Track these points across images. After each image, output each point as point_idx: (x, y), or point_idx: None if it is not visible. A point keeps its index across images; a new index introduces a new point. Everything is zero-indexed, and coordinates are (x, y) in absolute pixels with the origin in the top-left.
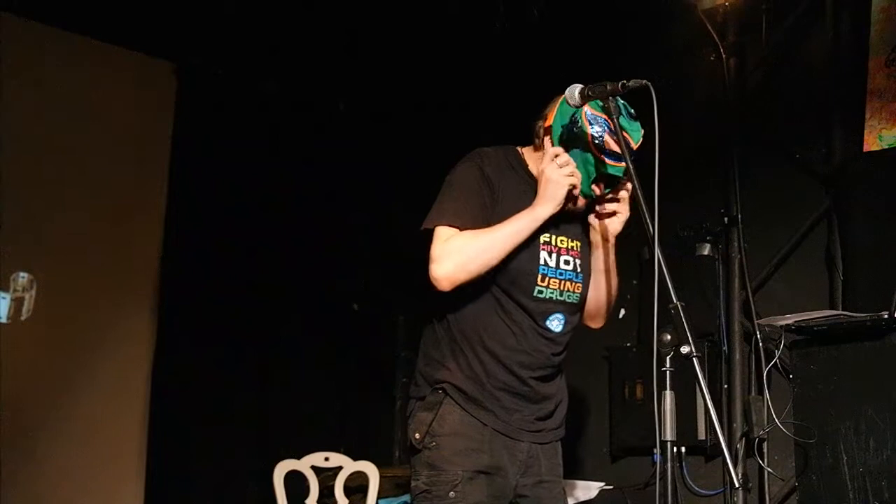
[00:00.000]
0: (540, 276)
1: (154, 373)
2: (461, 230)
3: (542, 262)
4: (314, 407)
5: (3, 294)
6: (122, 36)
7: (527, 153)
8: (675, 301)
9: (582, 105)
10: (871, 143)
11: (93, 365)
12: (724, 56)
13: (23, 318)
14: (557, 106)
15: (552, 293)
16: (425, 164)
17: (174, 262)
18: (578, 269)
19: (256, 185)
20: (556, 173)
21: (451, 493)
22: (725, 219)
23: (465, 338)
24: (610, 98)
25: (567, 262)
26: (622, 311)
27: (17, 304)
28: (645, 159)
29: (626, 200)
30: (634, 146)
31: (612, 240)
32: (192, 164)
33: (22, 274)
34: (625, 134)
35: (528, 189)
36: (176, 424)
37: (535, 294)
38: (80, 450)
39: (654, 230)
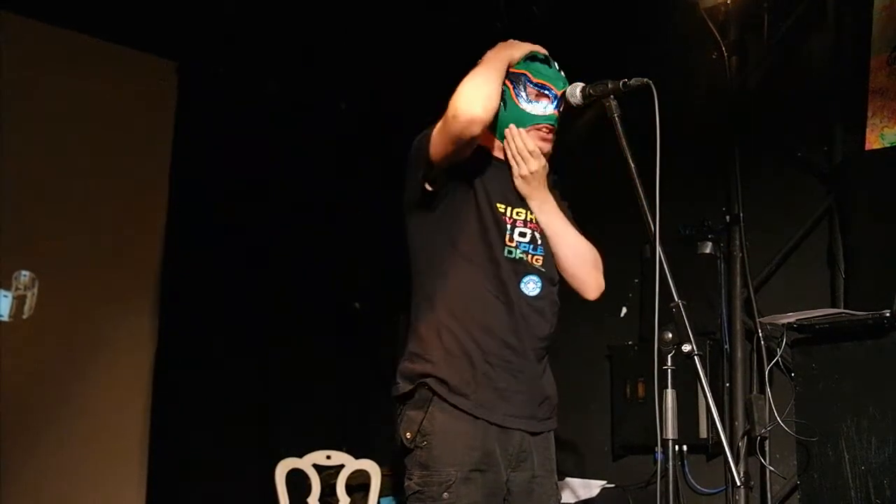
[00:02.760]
0: (507, 237)
1: (156, 371)
2: None
3: (507, 235)
4: (316, 405)
5: (5, 292)
6: (123, 35)
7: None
8: (676, 299)
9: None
10: (873, 141)
11: (95, 363)
12: (725, 54)
13: (25, 316)
14: None
15: (521, 254)
16: None
17: (176, 261)
18: (538, 242)
19: (257, 184)
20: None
21: (445, 495)
22: (727, 217)
23: (456, 318)
24: (612, 97)
25: (523, 235)
26: (623, 310)
27: (19, 302)
28: (647, 157)
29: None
30: (558, 92)
31: (532, 201)
32: (194, 162)
33: (24, 272)
34: (546, 82)
35: (490, 165)
36: (177, 423)
37: (506, 254)
38: (82, 448)
39: (656, 228)
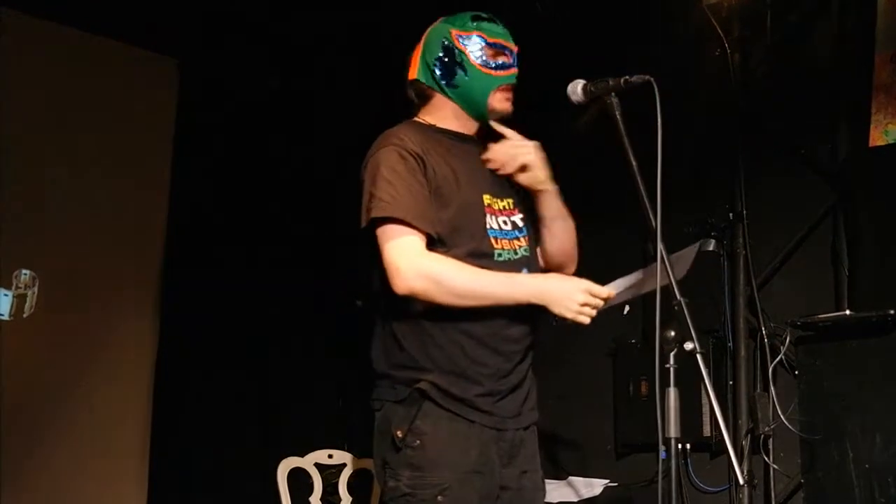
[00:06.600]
0: (493, 240)
1: (157, 369)
2: (418, 231)
3: (488, 226)
4: (317, 404)
5: (5, 291)
6: (124, 32)
7: (425, 117)
8: (678, 297)
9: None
10: (877, 138)
11: (95, 362)
12: (728, 51)
13: (25, 314)
14: (419, 54)
15: (508, 254)
16: None
17: (177, 259)
18: (520, 225)
19: (259, 182)
20: (575, 301)
21: (440, 498)
22: (730, 214)
23: (439, 326)
24: (613, 94)
25: (505, 223)
26: (626, 308)
27: (20, 300)
28: (649, 155)
29: (513, 140)
30: (514, 49)
31: (545, 189)
32: (195, 160)
33: (24, 271)
34: (501, 40)
35: (452, 147)
36: (179, 422)
37: (496, 258)
38: (83, 448)
39: (658, 226)
